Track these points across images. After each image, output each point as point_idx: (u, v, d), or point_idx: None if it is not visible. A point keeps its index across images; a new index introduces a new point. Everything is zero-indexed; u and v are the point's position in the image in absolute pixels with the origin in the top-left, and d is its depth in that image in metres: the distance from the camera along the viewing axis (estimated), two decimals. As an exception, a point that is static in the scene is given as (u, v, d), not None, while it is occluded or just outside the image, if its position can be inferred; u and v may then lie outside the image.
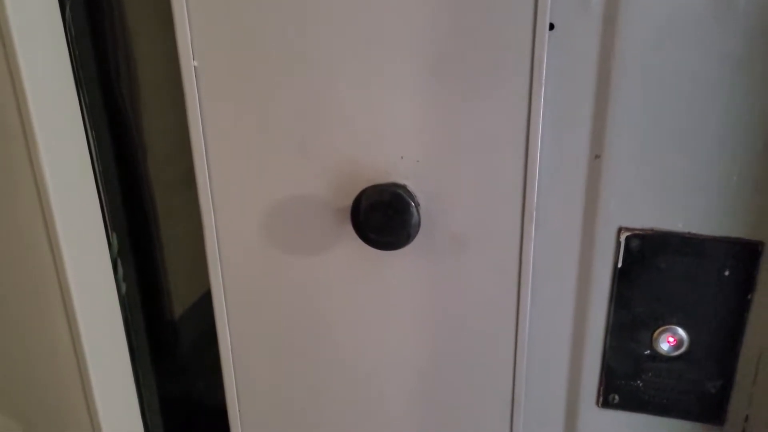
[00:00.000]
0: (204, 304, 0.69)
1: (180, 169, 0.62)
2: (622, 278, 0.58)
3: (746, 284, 0.56)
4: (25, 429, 0.80)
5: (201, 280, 0.68)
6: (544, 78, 0.52)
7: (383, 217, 0.55)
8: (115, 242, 0.72)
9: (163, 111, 0.62)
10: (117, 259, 0.72)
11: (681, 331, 0.58)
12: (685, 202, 0.55)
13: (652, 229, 0.56)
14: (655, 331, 0.59)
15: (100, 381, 0.74)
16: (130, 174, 0.75)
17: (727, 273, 0.56)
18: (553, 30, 0.51)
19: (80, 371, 0.73)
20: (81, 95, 0.65)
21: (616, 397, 0.62)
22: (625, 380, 0.61)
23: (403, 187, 0.56)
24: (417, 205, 0.55)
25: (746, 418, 0.60)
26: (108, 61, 0.69)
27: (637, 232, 0.56)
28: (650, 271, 0.57)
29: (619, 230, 0.57)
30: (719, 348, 0.58)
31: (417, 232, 0.56)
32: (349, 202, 0.56)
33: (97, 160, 0.68)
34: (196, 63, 0.56)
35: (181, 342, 0.85)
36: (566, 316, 0.61)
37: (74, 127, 0.66)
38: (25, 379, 0.77)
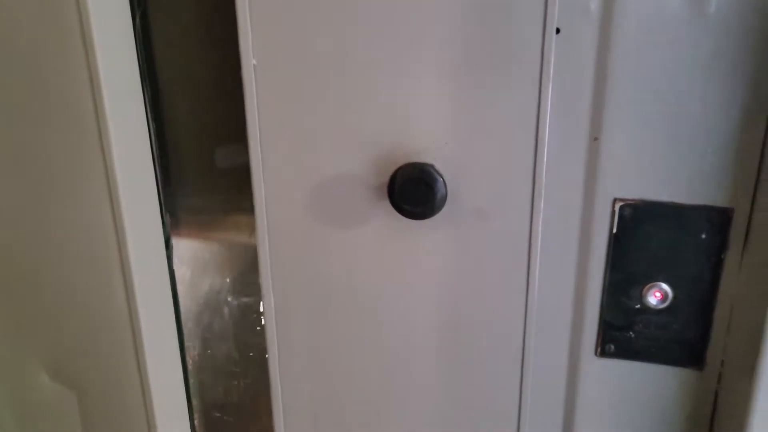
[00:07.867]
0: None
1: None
2: (616, 242, 0.62)
3: (720, 245, 0.60)
4: (78, 396, 0.84)
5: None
6: (551, 73, 0.57)
7: (415, 190, 0.60)
8: (168, 222, 0.78)
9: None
10: (169, 237, 0.79)
11: (666, 287, 0.62)
12: (670, 176, 0.59)
13: (641, 200, 0.60)
14: (644, 287, 0.62)
15: (152, 350, 0.77)
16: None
17: (703, 236, 0.60)
18: (559, 33, 0.57)
19: (135, 341, 0.77)
20: (145, 95, 0.71)
21: (612, 347, 0.65)
22: (619, 332, 0.65)
23: (432, 166, 0.62)
24: (444, 180, 0.61)
25: (722, 363, 0.63)
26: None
27: (629, 202, 0.60)
28: (640, 235, 0.61)
29: (614, 201, 0.61)
30: (698, 301, 0.62)
31: (444, 204, 0.61)
32: (384, 180, 0.62)
33: (156, 153, 0.74)
34: (255, 61, 0.63)
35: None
36: (569, 276, 0.65)
37: (139, 124, 0.72)
38: (82, 349, 0.81)
